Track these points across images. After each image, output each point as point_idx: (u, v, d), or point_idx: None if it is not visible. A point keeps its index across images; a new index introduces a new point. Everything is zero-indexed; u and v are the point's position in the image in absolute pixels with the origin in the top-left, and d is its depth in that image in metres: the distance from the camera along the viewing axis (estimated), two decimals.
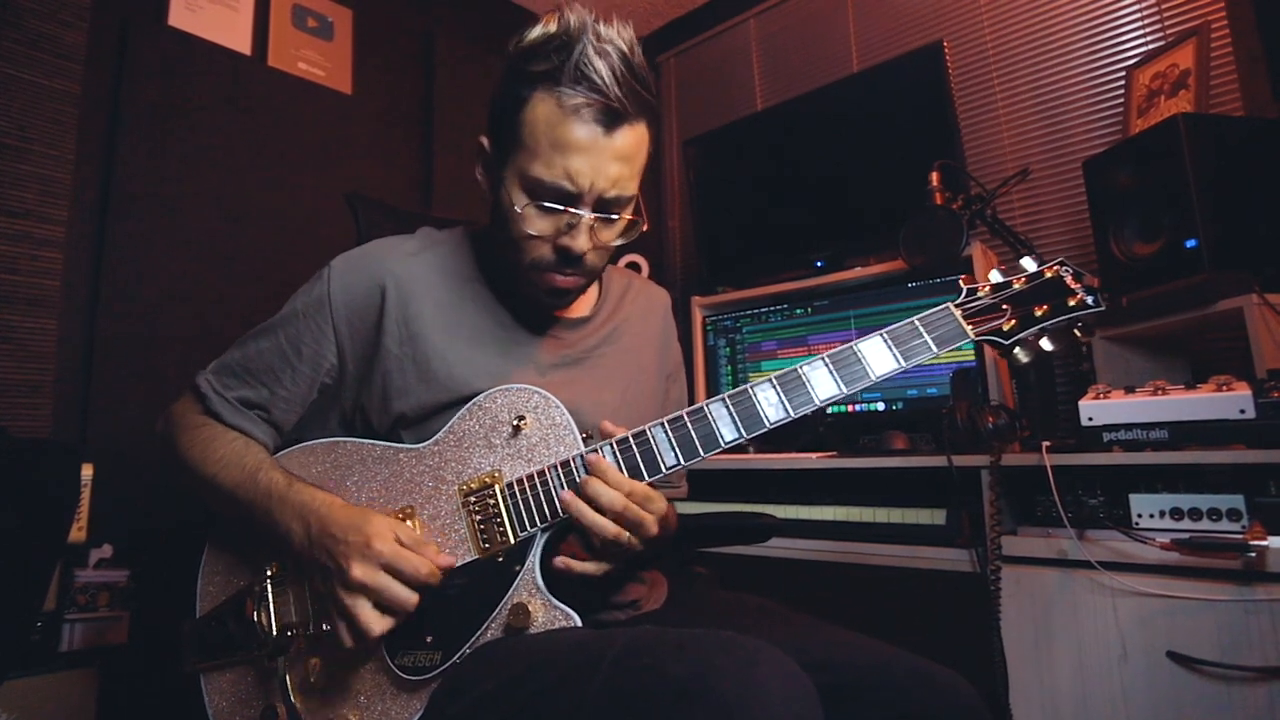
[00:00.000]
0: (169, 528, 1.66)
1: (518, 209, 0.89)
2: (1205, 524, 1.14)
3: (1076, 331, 0.88)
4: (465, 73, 2.63)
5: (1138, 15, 1.92)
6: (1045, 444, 1.29)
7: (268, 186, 2.10)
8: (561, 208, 0.88)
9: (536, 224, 0.90)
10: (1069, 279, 0.88)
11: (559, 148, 0.86)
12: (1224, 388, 1.15)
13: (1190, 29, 1.72)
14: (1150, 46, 1.87)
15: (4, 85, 1.67)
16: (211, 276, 1.96)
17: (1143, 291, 1.42)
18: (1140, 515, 1.19)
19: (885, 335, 0.87)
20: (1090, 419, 1.25)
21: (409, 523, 0.89)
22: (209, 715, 0.93)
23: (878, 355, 0.86)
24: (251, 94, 2.10)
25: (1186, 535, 1.13)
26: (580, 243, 0.89)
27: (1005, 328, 0.88)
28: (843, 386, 0.85)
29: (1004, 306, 0.88)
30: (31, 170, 1.70)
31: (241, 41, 2.12)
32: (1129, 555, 1.19)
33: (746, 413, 0.85)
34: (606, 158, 0.87)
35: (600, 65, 0.84)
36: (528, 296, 0.97)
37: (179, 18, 1.99)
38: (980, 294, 0.90)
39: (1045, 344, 0.88)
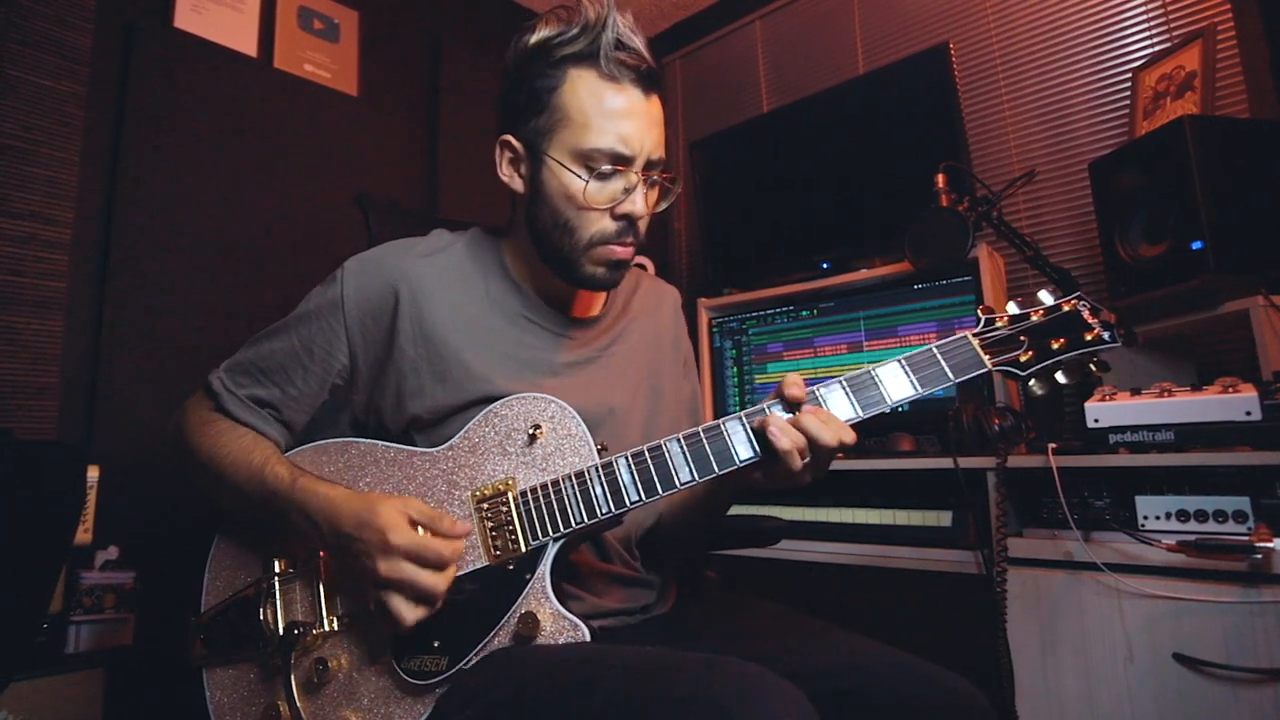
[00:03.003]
0: (175, 529, 1.66)
1: (580, 181, 0.90)
2: (1211, 526, 1.14)
3: (1092, 366, 0.88)
4: (472, 74, 2.64)
5: (1144, 17, 1.92)
6: (1051, 446, 1.29)
7: (274, 188, 2.10)
8: (620, 171, 0.90)
9: (596, 197, 0.91)
10: (1086, 313, 0.88)
11: (608, 115, 0.89)
12: (1230, 389, 1.15)
13: (1196, 31, 1.71)
14: (1156, 48, 1.87)
15: (9, 87, 1.67)
16: (218, 278, 1.96)
17: (1149, 293, 1.42)
18: (1146, 517, 1.19)
19: (903, 362, 0.87)
20: (1096, 421, 1.25)
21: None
22: (209, 710, 0.92)
23: (895, 381, 0.87)
24: (257, 96, 2.10)
25: (1192, 537, 1.13)
26: (640, 206, 0.92)
27: (1022, 359, 0.87)
28: (859, 410, 0.86)
29: (1021, 338, 0.88)
30: (37, 172, 1.70)
31: (247, 43, 2.12)
32: (1135, 557, 1.19)
33: (762, 435, 0.85)
34: (649, 121, 0.91)
35: (634, 37, 0.90)
36: (586, 278, 0.96)
37: (184, 19, 2.00)
38: (998, 325, 0.90)
39: (1060, 377, 0.88)
